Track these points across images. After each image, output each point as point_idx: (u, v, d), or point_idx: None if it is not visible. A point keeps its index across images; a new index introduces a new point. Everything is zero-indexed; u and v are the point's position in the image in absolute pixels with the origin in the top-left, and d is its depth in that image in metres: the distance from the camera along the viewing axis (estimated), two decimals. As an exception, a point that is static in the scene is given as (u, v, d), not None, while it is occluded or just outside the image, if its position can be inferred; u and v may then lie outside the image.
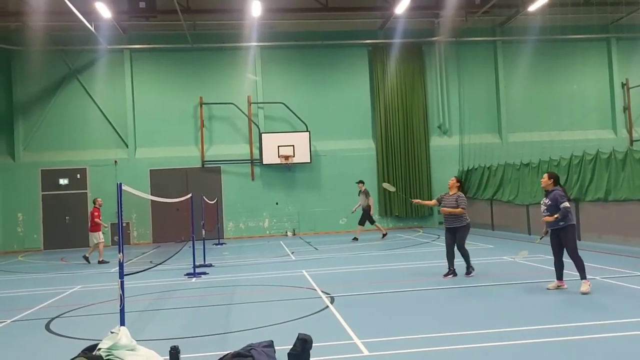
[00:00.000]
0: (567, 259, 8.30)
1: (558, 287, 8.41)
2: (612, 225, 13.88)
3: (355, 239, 18.43)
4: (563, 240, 8.24)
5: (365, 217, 18.45)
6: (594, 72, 24.18)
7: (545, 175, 8.48)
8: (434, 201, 10.88)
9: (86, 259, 15.36)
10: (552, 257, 8.52)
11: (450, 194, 10.22)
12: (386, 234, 19.03)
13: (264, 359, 5.10)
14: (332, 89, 22.84)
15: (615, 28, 23.88)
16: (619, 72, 24.07)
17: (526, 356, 5.25)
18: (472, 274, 10.03)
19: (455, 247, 10.09)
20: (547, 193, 8.37)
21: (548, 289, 8.41)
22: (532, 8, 20.30)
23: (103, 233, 15.67)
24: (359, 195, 18.77)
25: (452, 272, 10.08)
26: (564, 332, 5.96)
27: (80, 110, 21.69)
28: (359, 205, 18.63)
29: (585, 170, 14.89)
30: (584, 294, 7.91)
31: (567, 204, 8.10)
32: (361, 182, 19.01)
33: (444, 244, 10.29)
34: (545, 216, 8.26)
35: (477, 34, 23.19)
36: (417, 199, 10.23)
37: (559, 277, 8.46)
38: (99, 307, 8.87)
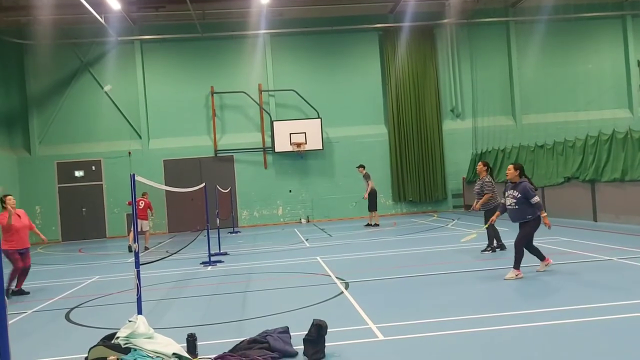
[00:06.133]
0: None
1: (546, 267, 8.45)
2: (629, 205, 13.72)
3: (376, 224, 18.06)
4: (522, 227, 8.14)
5: (371, 200, 18.01)
6: (610, 50, 23.75)
7: (511, 167, 8.29)
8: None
9: (146, 248, 15.64)
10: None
11: (480, 179, 10.91)
12: (378, 224, 18.12)
13: (279, 344, 5.15)
14: (343, 75, 22.72)
15: (631, 5, 23.40)
16: (635, 50, 23.61)
17: (550, 335, 5.24)
18: (488, 252, 10.71)
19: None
20: (514, 185, 8.23)
21: (538, 271, 8.41)
22: (544, -13, 19.98)
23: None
24: (364, 179, 18.36)
25: (491, 248, 10.86)
26: (572, 314, 5.93)
27: (93, 102, 21.86)
28: (368, 191, 17.99)
29: (601, 151, 14.72)
30: (506, 279, 7.94)
31: (538, 198, 8.05)
32: (361, 166, 18.66)
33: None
34: (513, 208, 8.07)
35: (489, 15, 22.86)
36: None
37: (541, 258, 8.43)
38: (117, 296, 8.99)
